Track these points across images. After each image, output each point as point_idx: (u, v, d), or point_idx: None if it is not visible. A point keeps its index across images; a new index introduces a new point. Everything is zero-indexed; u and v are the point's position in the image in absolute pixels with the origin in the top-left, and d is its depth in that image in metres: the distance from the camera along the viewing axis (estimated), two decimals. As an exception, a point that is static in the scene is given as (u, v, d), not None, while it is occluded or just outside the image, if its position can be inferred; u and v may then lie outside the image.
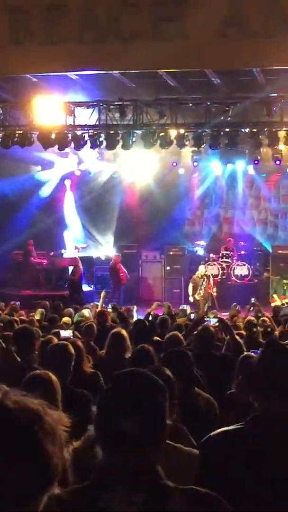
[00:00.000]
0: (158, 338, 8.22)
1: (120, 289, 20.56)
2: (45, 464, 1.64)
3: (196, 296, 18.61)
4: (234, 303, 15.67)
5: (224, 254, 21.84)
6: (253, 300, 15.11)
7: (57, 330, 8.74)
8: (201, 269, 19.25)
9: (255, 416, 2.85)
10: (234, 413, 4.36)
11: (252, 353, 5.70)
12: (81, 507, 2.11)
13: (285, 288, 18.98)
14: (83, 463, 2.18)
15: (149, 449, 2.09)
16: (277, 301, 18.00)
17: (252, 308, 14.07)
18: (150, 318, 11.50)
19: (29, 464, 1.60)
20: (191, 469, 2.78)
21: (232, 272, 21.62)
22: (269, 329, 9.80)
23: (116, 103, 17.23)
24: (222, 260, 21.75)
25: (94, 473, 2.14)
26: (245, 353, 6.10)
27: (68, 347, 5.20)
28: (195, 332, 7.42)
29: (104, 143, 17.69)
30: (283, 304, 17.63)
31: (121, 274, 20.62)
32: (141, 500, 2.05)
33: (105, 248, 23.77)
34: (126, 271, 20.84)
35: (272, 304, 17.51)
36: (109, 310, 12.15)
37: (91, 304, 15.51)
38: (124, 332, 6.77)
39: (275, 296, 18.62)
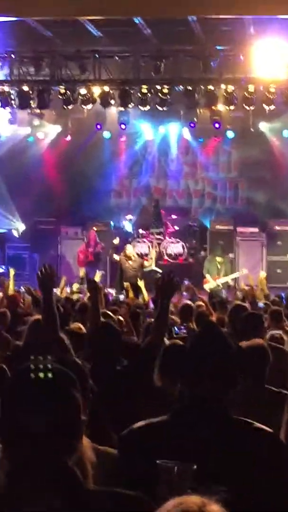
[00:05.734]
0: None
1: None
2: None
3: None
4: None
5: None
6: (186, 282, 15.29)
7: None
8: (129, 249, 19.22)
9: (182, 406, 2.97)
10: (158, 405, 4.51)
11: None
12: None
13: (219, 267, 19.16)
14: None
15: (61, 449, 2.13)
16: (210, 282, 18.24)
17: (186, 291, 14.25)
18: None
19: None
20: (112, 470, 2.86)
21: (164, 250, 21.79)
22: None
23: (30, 55, 17.09)
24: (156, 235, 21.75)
25: (4, 478, 2.15)
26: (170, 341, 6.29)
27: None
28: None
29: (17, 102, 17.55)
30: (218, 286, 17.89)
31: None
32: (61, 506, 2.09)
33: (18, 223, 23.60)
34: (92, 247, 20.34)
35: (205, 286, 17.78)
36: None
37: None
38: None
39: (207, 276, 18.86)
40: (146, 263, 19.08)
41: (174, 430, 2.86)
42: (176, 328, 8.66)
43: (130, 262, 18.16)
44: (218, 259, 19.42)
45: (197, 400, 2.93)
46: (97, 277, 13.84)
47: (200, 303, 11.67)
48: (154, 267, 19.64)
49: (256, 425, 2.93)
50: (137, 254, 20.02)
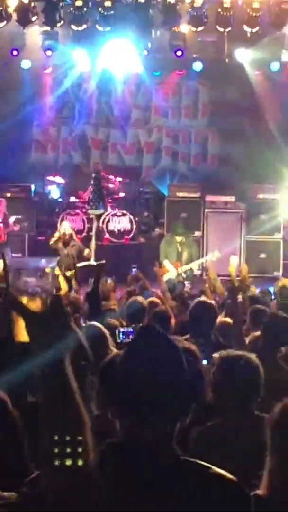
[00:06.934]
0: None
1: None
2: None
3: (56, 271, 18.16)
4: (106, 277, 15.81)
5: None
6: (134, 270, 15.23)
7: None
8: (66, 227, 18.93)
9: (113, 443, 2.92)
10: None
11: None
12: None
13: (179, 249, 19.00)
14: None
15: None
16: (170, 271, 18.16)
17: (134, 283, 14.21)
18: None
19: None
20: None
21: (105, 226, 21.70)
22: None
23: None
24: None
25: None
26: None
27: None
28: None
29: None
30: (179, 275, 17.79)
31: None
32: None
33: None
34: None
35: (164, 277, 17.76)
36: None
37: None
38: None
39: (165, 263, 18.74)
40: (86, 251, 18.65)
41: (97, 476, 2.81)
42: (122, 332, 8.44)
43: (66, 249, 17.87)
44: (178, 238, 19.29)
45: (130, 434, 2.90)
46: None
47: (155, 299, 11.61)
48: (92, 261, 18.96)
49: (214, 470, 2.85)
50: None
